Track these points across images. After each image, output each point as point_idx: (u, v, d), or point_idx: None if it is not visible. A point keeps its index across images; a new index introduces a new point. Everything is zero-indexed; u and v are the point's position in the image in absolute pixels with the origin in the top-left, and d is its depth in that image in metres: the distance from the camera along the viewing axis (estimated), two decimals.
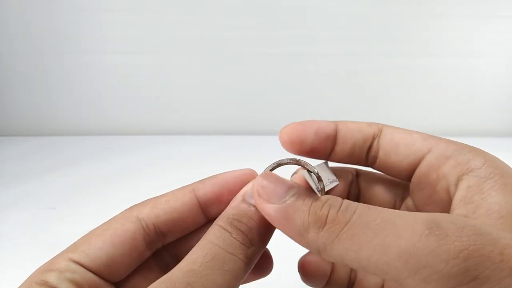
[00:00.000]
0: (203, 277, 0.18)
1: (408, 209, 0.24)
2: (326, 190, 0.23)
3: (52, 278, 0.19)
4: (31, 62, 0.75)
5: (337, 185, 0.24)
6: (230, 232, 0.20)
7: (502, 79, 0.75)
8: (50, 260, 0.20)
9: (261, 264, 0.23)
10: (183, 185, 0.23)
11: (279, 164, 0.23)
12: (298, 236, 0.19)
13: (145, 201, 0.23)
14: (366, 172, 0.26)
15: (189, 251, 0.23)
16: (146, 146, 0.72)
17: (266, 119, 0.78)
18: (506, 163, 0.21)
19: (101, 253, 0.20)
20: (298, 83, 0.75)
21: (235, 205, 0.21)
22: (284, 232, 0.20)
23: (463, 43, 0.72)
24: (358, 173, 0.26)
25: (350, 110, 0.76)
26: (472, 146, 0.21)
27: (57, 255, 0.21)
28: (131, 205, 0.23)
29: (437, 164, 0.21)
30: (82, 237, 0.21)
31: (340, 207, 0.18)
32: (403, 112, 0.77)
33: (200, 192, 0.23)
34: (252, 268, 0.20)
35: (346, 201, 0.19)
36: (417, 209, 0.23)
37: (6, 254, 0.44)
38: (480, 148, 0.21)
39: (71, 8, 0.71)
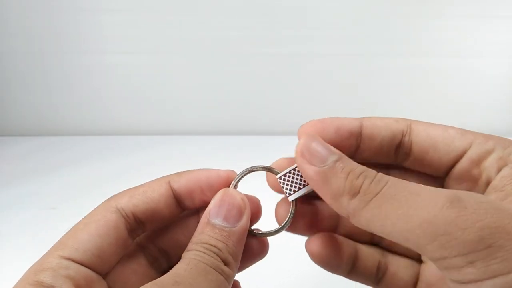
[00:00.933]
0: (190, 278, 0.19)
1: None
2: (295, 198, 0.23)
3: (46, 277, 0.19)
4: (31, 62, 0.75)
5: (308, 191, 0.23)
6: (204, 252, 0.20)
7: (502, 79, 0.75)
8: (39, 260, 0.21)
9: (256, 248, 0.24)
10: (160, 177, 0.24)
11: (251, 171, 0.24)
12: (331, 199, 0.20)
13: (122, 191, 0.23)
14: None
15: (174, 243, 0.25)
16: (146, 146, 0.72)
17: (266, 119, 0.78)
18: None
19: (89, 245, 0.21)
20: (298, 83, 0.75)
21: (201, 229, 0.22)
22: (319, 193, 0.21)
23: (463, 43, 0.72)
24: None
25: (350, 110, 0.76)
26: (510, 140, 0.21)
27: (45, 254, 0.21)
28: (109, 197, 0.23)
29: (479, 159, 0.22)
30: (66, 233, 0.22)
31: (374, 178, 0.19)
32: (403, 112, 0.76)
33: (175, 185, 0.23)
34: (231, 284, 0.21)
35: (380, 174, 0.20)
36: None
37: (6, 254, 0.44)
38: None
39: (71, 8, 0.71)
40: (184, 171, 0.24)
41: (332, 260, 0.24)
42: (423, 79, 0.75)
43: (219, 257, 0.20)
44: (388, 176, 0.20)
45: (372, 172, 0.20)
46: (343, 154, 0.21)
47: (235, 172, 0.24)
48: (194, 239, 0.21)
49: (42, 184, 0.60)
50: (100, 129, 0.78)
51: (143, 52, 0.74)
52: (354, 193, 0.19)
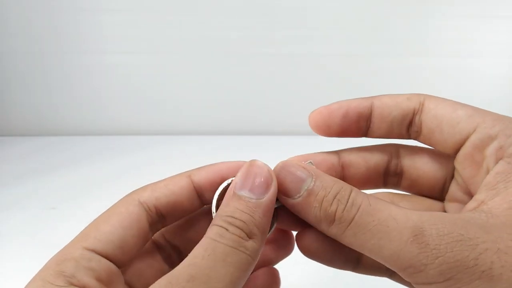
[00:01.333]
0: (206, 268, 0.18)
1: (459, 186, 0.24)
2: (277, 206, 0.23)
3: (68, 267, 0.19)
4: (31, 62, 0.75)
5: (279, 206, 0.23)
6: (226, 229, 0.20)
7: (503, 79, 0.75)
8: (62, 250, 0.20)
9: (282, 243, 0.24)
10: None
11: (229, 184, 0.23)
12: (315, 225, 0.21)
13: (144, 186, 0.23)
14: (409, 148, 0.25)
15: (187, 240, 0.24)
16: (146, 146, 0.72)
17: (266, 119, 0.78)
18: None
19: (112, 237, 0.21)
20: (298, 83, 0.75)
21: (226, 202, 0.21)
22: (306, 221, 0.22)
23: (463, 43, 0.72)
24: (399, 149, 0.25)
25: None
26: None
27: (68, 245, 0.20)
28: (131, 191, 0.23)
29: (481, 145, 0.21)
30: (89, 225, 0.21)
31: (346, 204, 0.20)
32: None
33: (196, 178, 0.24)
34: (257, 260, 0.20)
35: (352, 194, 0.21)
36: (466, 185, 0.23)
37: (6, 254, 0.44)
38: None
39: (71, 8, 0.71)
40: (204, 165, 0.24)
41: (325, 254, 0.23)
42: (423, 79, 0.75)
43: (243, 230, 0.20)
44: (361, 198, 0.20)
45: (345, 193, 0.20)
46: (317, 174, 0.21)
47: (257, 161, 0.24)
48: (220, 212, 0.21)
49: (42, 184, 0.60)
50: (100, 129, 0.78)
51: (143, 52, 0.74)
52: (330, 221, 0.20)
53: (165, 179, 0.24)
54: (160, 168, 0.65)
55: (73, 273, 0.19)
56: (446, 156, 0.24)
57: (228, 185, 0.23)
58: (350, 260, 0.24)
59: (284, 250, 0.25)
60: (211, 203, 0.24)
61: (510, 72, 0.74)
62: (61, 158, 0.69)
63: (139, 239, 0.22)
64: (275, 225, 0.23)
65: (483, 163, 0.21)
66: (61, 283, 0.18)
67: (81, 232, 0.21)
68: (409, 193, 0.26)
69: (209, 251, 0.19)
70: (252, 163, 0.22)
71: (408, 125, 0.24)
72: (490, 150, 0.21)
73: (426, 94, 0.24)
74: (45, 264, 0.20)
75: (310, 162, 0.24)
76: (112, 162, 0.66)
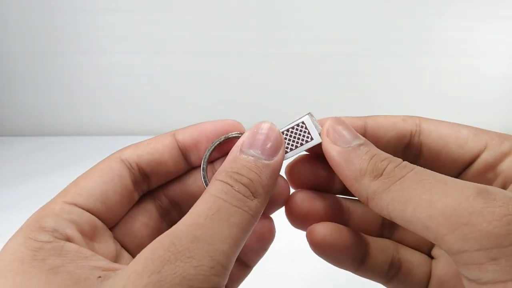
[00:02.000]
0: (210, 229, 0.17)
1: None
2: (291, 155, 0.23)
3: (49, 222, 0.18)
4: (31, 62, 0.75)
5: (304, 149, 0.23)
6: (231, 186, 0.19)
7: (503, 79, 0.75)
8: (42, 207, 0.20)
9: (262, 231, 0.23)
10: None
11: (227, 138, 0.23)
12: (352, 180, 0.20)
13: (128, 145, 0.23)
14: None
15: (185, 195, 0.23)
16: None
17: (265, 119, 0.78)
18: None
19: (93, 191, 0.20)
20: (298, 83, 0.75)
21: (232, 158, 0.20)
22: (339, 175, 0.20)
23: (463, 43, 0.72)
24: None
25: (351, 110, 0.76)
26: None
27: (49, 202, 0.20)
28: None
29: (494, 162, 0.21)
30: (71, 183, 0.21)
31: (399, 164, 0.19)
32: (403, 112, 0.77)
33: (180, 137, 0.23)
34: (258, 220, 0.19)
35: (406, 162, 0.19)
36: None
37: None
38: None
39: (71, 8, 0.71)
40: (189, 125, 0.24)
41: (337, 250, 0.22)
42: (423, 79, 0.75)
43: (249, 189, 0.19)
44: (414, 165, 0.19)
45: (397, 159, 0.19)
46: (368, 141, 0.21)
47: (239, 123, 0.23)
48: (224, 167, 0.20)
49: (42, 184, 0.60)
50: (100, 129, 0.78)
51: (143, 52, 0.74)
52: (377, 174, 0.19)
53: (149, 139, 0.23)
54: None
55: (54, 226, 0.18)
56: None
57: (220, 143, 0.23)
58: (356, 259, 0.23)
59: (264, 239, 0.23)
60: (198, 165, 0.23)
61: (510, 72, 0.74)
62: (61, 158, 0.69)
63: (122, 196, 0.21)
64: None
65: (497, 179, 0.21)
66: (43, 238, 0.18)
67: (63, 189, 0.21)
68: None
69: (213, 210, 0.18)
70: (262, 124, 0.21)
71: (405, 147, 0.23)
72: (505, 165, 0.20)
73: (420, 116, 0.23)
74: (25, 222, 0.19)
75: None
76: None
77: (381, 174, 0.19)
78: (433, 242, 0.17)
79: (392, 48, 0.73)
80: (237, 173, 0.19)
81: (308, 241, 0.22)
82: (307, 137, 0.22)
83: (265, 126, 0.21)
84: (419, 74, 0.75)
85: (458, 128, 0.22)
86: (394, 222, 0.20)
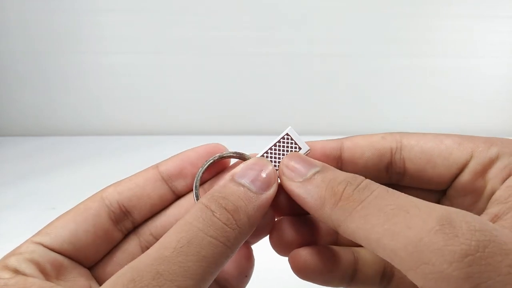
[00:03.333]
0: (175, 264, 0.16)
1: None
2: None
3: (12, 261, 0.19)
4: (31, 62, 0.75)
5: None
6: (213, 211, 0.18)
7: (503, 79, 0.75)
8: (18, 245, 0.21)
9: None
10: None
11: (221, 157, 0.23)
12: (315, 211, 0.19)
13: (111, 184, 0.23)
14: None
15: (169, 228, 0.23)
16: (146, 146, 0.72)
17: (265, 119, 0.78)
18: None
19: (62, 231, 0.20)
20: (298, 83, 0.75)
21: (223, 184, 0.20)
22: (305, 208, 0.20)
23: (463, 43, 0.72)
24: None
25: (350, 110, 0.76)
26: None
27: (24, 241, 0.21)
28: None
29: (483, 169, 0.20)
30: (49, 222, 0.21)
31: (359, 186, 0.18)
32: (403, 112, 0.77)
33: (163, 168, 0.23)
34: (234, 254, 0.19)
35: (367, 180, 0.18)
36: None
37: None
38: None
39: (70, 8, 0.71)
40: (171, 156, 0.24)
41: (321, 274, 0.22)
42: (423, 79, 0.75)
43: (233, 216, 0.18)
44: (377, 184, 0.18)
45: (357, 178, 0.19)
46: (326, 165, 0.20)
47: (220, 144, 0.23)
48: (213, 191, 0.19)
49: (42, 184, 0.59)
50: (100, 129, 0.78)
51: (143, 52, 0.74)
52: (336, 200, 0.18)
53: (132, 175, 0.23)
54: None
55: (15, 266, 0.19)
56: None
57: (214, 161, 0.23)
58: (345, 277, 0.22)
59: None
60: (186, 193, 0.23)
61: (510, 72, 0.74)
62: (61, 158, 0.69)
63: (96, 236, 0.21)
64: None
65: (486, 187, 0.20)
66: (5, 275, 0.18)
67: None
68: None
69: (182, 242, 0.17)
70: (257, 159, 0.21)
71: (387, 166, 0.22)
72: (494, 172, 0.20)
73: (400, 132, 0.22)
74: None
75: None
76: (112, 162, 0.66)
77: (340, 199, 0.18)
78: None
79: (392, 48, 0.73)
80: (224, 198, 0.19)
81: (291, 266, 0.22)
82: (295, 148, 0.23)
83: (260, 160, 0.21)
84: (419, 74, 0.75)
85: (441, 139, 0.21)
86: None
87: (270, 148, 0.23)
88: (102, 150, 0.72)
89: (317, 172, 0.20)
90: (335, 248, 0.23)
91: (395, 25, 0.71)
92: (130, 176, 0.23)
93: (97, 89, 0.77)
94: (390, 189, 0.18)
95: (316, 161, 0.21)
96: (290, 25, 0.71)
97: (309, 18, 0.71)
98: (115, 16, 0.72)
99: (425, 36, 0.72)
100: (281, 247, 0.23)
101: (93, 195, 0.22)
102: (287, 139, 0.23)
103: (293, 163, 0.21)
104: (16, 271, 0.19)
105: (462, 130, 0.80)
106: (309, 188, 0.19)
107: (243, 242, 0.19)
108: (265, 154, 0.23)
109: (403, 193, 0.18)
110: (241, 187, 0.19)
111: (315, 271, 0.22)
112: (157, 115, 0.78)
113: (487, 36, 0.72)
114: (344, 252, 0.23)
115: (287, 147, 0.23)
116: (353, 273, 0.22)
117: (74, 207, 0.22)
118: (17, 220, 0.51)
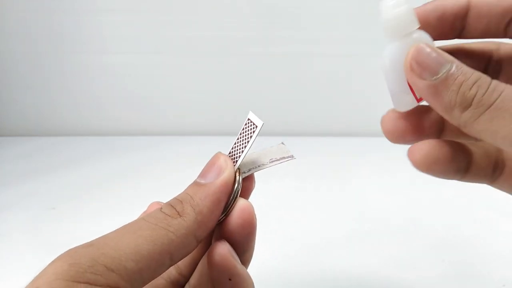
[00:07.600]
0: (106, 237, 0.17)
1: None
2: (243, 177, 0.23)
3: None
4: (30, 62, 0.75)
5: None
6: (160, 208, 0.20)
7: None
8: None
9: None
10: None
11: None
12: (443, 112, 0.20)
13: None
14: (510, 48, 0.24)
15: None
16: (146, 146, 0.72)
17: (266, 119, 0.78)
18: None
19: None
20: (298, 83, 0.75)
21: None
22: (431, 106, 0.21)
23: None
24: (498, 51, 0.24)
25: (350, 110, 0.76)
26: None
27: None
28: None
29: None
30: None
31: (488, 88, 0.19)
32: None
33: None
34: (186, 239, 0.19)
35: (494, 82, 0.19)
36: None
37: (6, 254, 0.44)
38: None
39: (71, 8, 0.71)
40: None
41: (440, 166, 0.22)
42: None
43: (176, 209, 0.20)
44: (503, 85, 0.19)
45: (486, 80, 0.19)
46: (455, 61, 0.20)
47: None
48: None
49: (42, 184, 0.59)
50: (100, 129, 0.78)
51: (143, 52, 0.74)
52: (466, 105, 0.19)
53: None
54: (160, 168, 0.65)
55: None
56: None
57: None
58: (460, 169, 0.23)
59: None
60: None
61: None
62: (61, 158, 0.69)
63: None
64: (230, 208, 0.22)
65: None
66: None
67: None
68: None
69: (125, 226, 0.18)
70: (214, 155, 0.23)
71: (508, 22, 0.22)
72: None
73: None
74: None
75: None
76: (112, 162, 0.66)
77: (470, 104, 0.19)
78: None
79: None
80: (174, 198, 0.20)
81: (410, 160, 0.23)
82: (254, 127, 0.24)
83: (214, 155, 0.23)
84: None
85: None
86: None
87: (238, 138, 0.24)
88: (102, 150, 0.72)
89: (448, 70, 0.20)
90: (452, 141, 0.23)
91: None
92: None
93: (97, 89, 0.77)
94: None
95: (447, 55, 0.20)
96: (290, 25, 0.71)
97: (309, 18, 0.71)
98: (115, 16, 0.72)
99: None
100: (390, 133, 0.24)
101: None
102: (248, 123, 0.24)
103: (424, 58, 0.20)
104: None
105: None
106: (441, 90, 0.20)
107: (194, 228, 0.20)
108: (234, 146, 0.24)
109: None
110: (192, 184, 0.21)
111: (434, 165, 0.22)
112: (157, 115, 0.78)
113: None
114: (459, 147, 0.23)
115: (248, 130, 0.24)
116: (467, 165, 0.23)
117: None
118: (17, 220, 0.51)
